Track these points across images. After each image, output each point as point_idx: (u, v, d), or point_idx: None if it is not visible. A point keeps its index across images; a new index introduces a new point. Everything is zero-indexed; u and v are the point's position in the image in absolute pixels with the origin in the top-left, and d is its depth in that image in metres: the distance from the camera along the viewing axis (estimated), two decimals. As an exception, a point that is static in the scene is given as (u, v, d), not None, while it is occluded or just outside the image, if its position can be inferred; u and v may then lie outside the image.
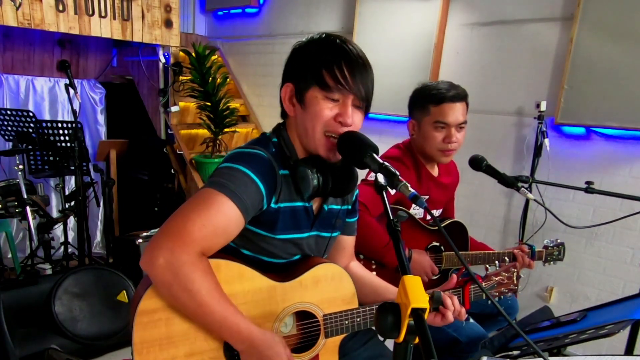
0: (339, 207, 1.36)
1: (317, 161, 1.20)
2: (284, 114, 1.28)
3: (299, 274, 1.25)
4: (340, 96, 1.16)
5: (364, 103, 1.20)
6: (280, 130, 1.28)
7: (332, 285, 1.28)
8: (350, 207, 1.43)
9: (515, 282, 1.48)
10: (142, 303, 1.07)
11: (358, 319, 1.28)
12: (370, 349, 1.46)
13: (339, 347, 1.32)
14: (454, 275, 1.38)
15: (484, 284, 1.43)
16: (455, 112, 1.79)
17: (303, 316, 1.28)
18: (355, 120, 1.19)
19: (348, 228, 1.47)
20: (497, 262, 1.52)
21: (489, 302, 1.47)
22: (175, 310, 1.10)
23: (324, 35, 1.21)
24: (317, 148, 1.20)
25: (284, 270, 1.28)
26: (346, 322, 1.27)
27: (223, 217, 1.08)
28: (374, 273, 1.77)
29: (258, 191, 1.13)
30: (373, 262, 1.80)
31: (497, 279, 1.45)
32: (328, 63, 1.14)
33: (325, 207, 1.32)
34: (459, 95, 1.81)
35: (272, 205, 1.19)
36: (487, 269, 1.47)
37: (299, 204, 1.26)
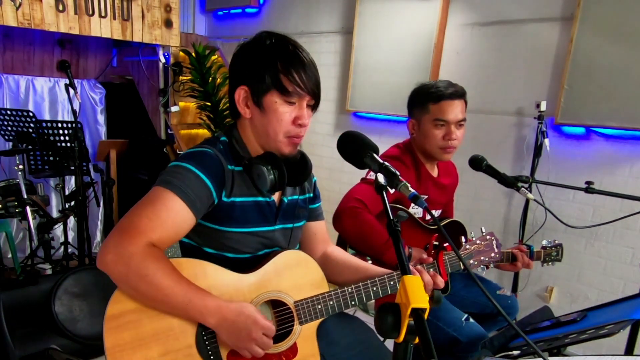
0: (297, 197, 1.41)
1: (271, 157, 1.25)
2: (234, 115, 1.31)
3: (262, 264, 1.26)
4: (297, 99, 1.22)
5: (315, 100, 1.27)
6: (232, 130, 1.32)
7: (298, 271, 1.29)
8: (311, 194, 1.47)
9: (495, 250, 1.44)
10: (109, 308, 1.09)
11: (331, 302, 1.28)
12: (351, 335, 1.45)
13: (321, 337, 1.31)
14: (427, 252, 1.36)
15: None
16: (455, 109, 1.81)
17: (276, 306, 1.28)
18: (308, 119, 1.26)
19: (313, 213, 1.50)
20: (472, 232, 1.48)
21: (465, 271, 1.43)
22: (143, 312, 1.10)
23: (273, 39, 1.24)
24: (279, 149, 1.26)
25: (249, 265, 1.28)
26: (319, 306, 1.27)
27: (169, 210, 1.11)
28: None
29: (204, 185, 1.17)
30: (368, 258, 1.80)
31: (472, 247, 1.42)
32: (285, 69, 1.20)
33: (285, 199, 1.36)
34: (458, 92, 1.82)
35: (224, 199, 1.23)
36: (461, 240, 1.44)
37: (260, 198, 1.29)
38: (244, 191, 1.26)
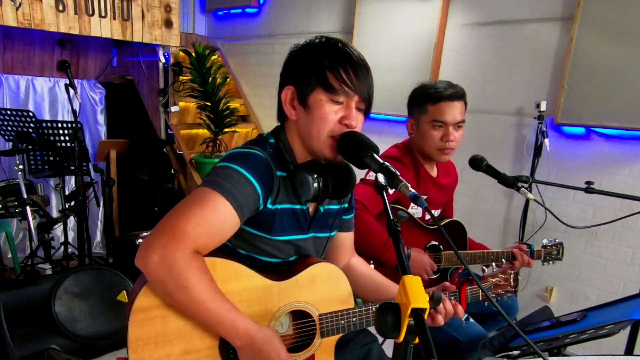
0: (336, 207, 1.37)
1: (317, 166, 1.21)
2: (281, 117, 1.29)
3: (295, 273, 1.25)
4: (345, 98, 1.17)
5: (366, 104, 1.21)
6: (279, 132, 1.28)
7: (328, 285, 1.28)
8: (347, 205, 1.43)
9: (512, 283, 1.47)
10: (138, 300, 1.07)
11: (354, 319, 1.27)
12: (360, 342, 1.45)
13: (335, 349, 1.32)
14: (450, 280, 1.38)
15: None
16: (453, 110, 1.80)
17: (299, 316, 1.28)
18: (358, 122, 1.20)
19: (345, 225, 1.47)
20: (494, 263, 1.52)
21: (486, 303, 1.48)
22: (171, 308, 1.09)
23: (323, 39, 1.21)
24: (322, 150, 1.20)
25: (281, 270, 1.28)
26: (342, 322, 1.26)
27: (218, 216, 1.08)
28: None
29: (254, 191, 1.13)
30: (371, 261, 1.81)
31: (494, 280, 1.45)
32: (332, 66, 1.15)
33: (322, 209, 1.32)
34: (457, 94, 1.81)
35: (269, 206, 1.19)
36: (483, 271, 1.47)
37: (297, 206, 1.26)
38: (284, 198, 1.22)
